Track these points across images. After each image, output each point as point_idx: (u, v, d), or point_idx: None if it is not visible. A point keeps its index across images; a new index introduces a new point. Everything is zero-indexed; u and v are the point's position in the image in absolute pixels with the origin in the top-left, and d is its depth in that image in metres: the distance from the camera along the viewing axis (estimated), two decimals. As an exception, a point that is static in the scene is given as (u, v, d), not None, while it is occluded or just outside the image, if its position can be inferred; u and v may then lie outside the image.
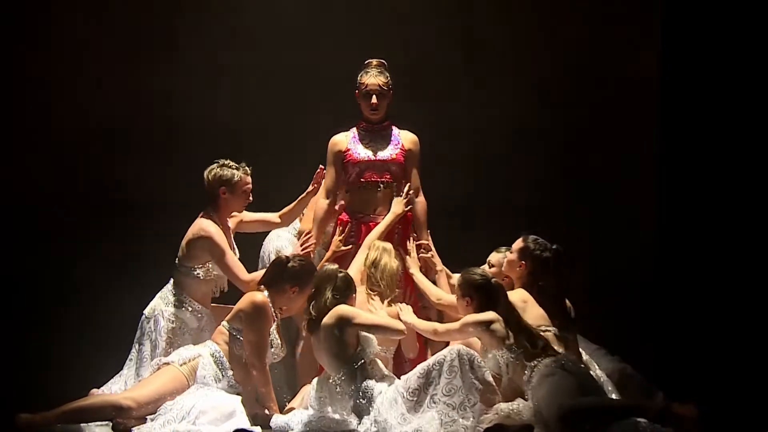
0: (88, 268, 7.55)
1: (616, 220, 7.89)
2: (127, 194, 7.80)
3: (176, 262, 6.46)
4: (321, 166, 6.63)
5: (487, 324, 5.77)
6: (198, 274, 6.43)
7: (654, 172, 7.86)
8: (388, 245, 6.28)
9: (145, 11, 7.88)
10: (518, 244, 6.21)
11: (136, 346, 6.43)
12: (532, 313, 5.99)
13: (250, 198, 6.52)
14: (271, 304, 6.13)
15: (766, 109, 7.55)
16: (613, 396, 6.10)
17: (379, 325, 5.91)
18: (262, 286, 6.18)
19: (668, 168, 7.77)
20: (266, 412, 6.04)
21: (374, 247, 6.25)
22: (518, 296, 6.03)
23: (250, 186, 6.51)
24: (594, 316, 6.38)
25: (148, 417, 5.90)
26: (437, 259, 6.44)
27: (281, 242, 6.84)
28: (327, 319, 5.84)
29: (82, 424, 5.80)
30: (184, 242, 6.44)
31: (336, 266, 6.06)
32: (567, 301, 6.22)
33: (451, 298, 6.17)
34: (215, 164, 6.48)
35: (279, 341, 6.16)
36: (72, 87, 7.78)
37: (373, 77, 6.46)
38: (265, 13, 7.96)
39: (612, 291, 7.57)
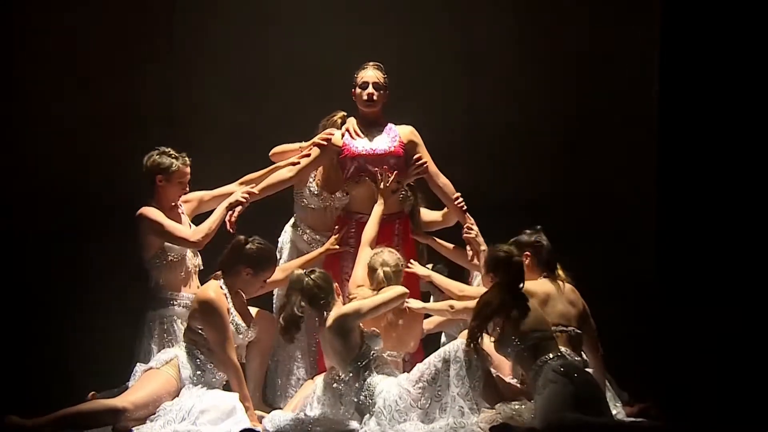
0: (87, 270, 7.55)
1: (616, 221, 7.89)
2: (129, 193, 7.78)
3: (143, 261, 6.44)
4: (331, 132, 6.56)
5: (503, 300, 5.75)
6: (163, 262, 6.41)
7: (654, 171, 7.85)
8: (392, 251, 6.24)
9: (144, 8, 7.89)
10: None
11: (137, 351, 6.46)
12: (554, 309, 6.00)
13: (186, 189, 6.51)
14: (226, 291, 6.11)
15: (766, 109, 7.54)
16: (618, 405, 6.12)
17: (383, 302, 5.93)
18: (219, 272, 6.18)
19: (668, 168, 7.77)
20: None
21: (376, 252, 6.23)
22: (543, 288, 6.03)
23: (188, 177, 6.49)
24: (593, 317, 6.37)
25: (148, 418, 5.93)
26: (480, 239, 6.40)
27: (285, 236, 6.85)
28: (332, 320, 5.85)
29: (79, 431, 5.80)
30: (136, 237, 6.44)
31: (302, 271, 6.00)
32: (580, 298, 6.23)
33: (475, 290, 6.17)
34: (155, 151, 6.46)
35: (244, 325, 6.15)
36: (72, 85, 7.77)
37: (370, 71, 6.50)
38: (265, 12, 7.97)
39: (611, 291, 7.56)
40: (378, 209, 6.35)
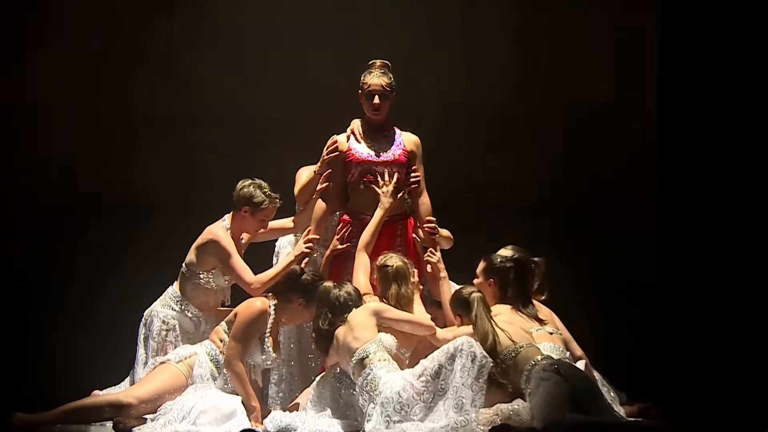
0: (89, 268, 7.55)
1: (616, 220, 7.89)
2: (129, 193, 7.79)
3: (183, 264, 6.45)
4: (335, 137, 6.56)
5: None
6: (200, 280, 6.41)
7: (654, 171, 7.85)
8: (402, 261, 6.24)
9: (144, 8, 7.89)
10: (480, 265, 6.26)
11: (137, 349, 6.45)
12: (519, 320, 6.04)
13: (266, 228, 6.51)
14: (272, 313, 6.15)
15: (766, 108, 7.54)
16: (615, 405, 6.12)
17: (409, 320, 6.02)
18: (271, 294, 6.21)
19: (668, 168, 7.77)
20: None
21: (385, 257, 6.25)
22: (502, 308, 6.10)
23: (271, 217, 6.49)
24: (593, 318, 6.38)
25: (148, 417, 5.93)
26: (442, 265, 6.42)
27: (282, 241, 6.86)
28: (359, 310, 5.95)
29: (82, 425, 5.83)
30: (193, 246, 6.42)
31: (331, 284, 6.11)
32: (544, 307, 6.28)
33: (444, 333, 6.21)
34: (252, 181, 6.40)
35: (271, 347, 6.16)
36: (71, 85, 7.77)
37: (376, 77, 6.44)
38: (265, 11, 7.97)
39: (611, 291, 7.57)
40: (379, 213, 6.37)
